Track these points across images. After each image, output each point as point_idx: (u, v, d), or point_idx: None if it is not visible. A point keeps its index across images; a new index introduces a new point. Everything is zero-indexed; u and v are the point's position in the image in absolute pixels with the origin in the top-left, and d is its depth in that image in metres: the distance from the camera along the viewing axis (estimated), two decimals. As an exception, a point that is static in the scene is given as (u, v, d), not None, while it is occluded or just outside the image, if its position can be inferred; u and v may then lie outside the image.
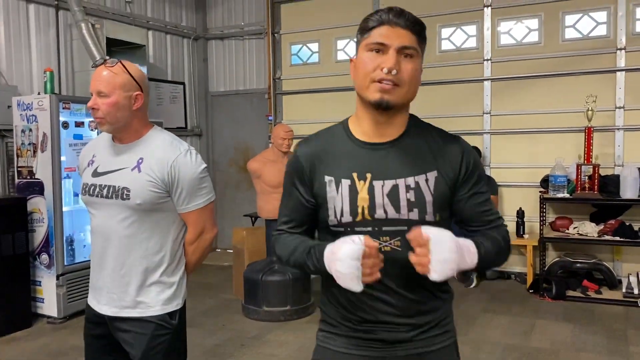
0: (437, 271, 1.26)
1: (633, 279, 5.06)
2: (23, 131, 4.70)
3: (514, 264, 5.81)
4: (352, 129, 1.48)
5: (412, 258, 1.28)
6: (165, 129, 5.82)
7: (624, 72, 5.37)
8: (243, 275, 4.83)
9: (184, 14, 7.30)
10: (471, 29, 6.02)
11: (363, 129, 1.46)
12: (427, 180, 1.41)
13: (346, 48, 6.64)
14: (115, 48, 5.79)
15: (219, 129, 7.61)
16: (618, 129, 5.41)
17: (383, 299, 1.43)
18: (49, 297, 4.66)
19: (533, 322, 4.48)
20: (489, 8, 5.86)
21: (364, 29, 1.40)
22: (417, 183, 1.40)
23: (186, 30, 7.28)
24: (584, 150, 5.16)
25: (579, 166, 5.15)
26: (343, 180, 1.42)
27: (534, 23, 5.74)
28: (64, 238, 4.72)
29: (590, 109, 5.10)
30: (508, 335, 4.22)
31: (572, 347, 3.95)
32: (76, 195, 4.91)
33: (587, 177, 5.17)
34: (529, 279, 5.42)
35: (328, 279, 1.41)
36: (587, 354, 3.83)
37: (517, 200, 5.71)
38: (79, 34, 5.33)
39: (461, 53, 6.07)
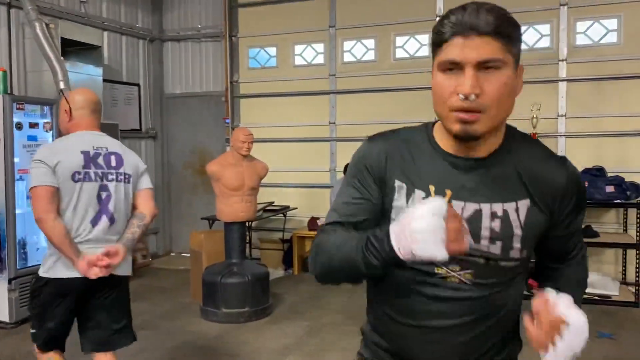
0: (559, 357, 1.07)
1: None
2: (-27, 132, 4.57)
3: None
4: (436, 137, 1.23)
5: (531, 330, 1.10)
6: (120, 130, 5.74)
7: (565, 82, 5.71)
8: (202, 278, 4.85)
9: (140, 15, 7.24)
10: (424, 38, 6.24)
11: (449, 141, 1.20)
12: (517, 209, 1.17)
13: (303, 53, 6.75)
14: (70, 48, 5.70)
15: (174, 132, 7.56)
16: (560, 135, 5.74)
17: (438, 341, 1.22)
18: (0, 302, 4.54)
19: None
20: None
21: (435, 43, 1.14)
22: (505, 212, 1.17)
23: (142, 32, 7.22)
24: (529, 156, 5.44)
25: (524, 171, 5.43)
26: (417, 191, 1.20)
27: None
28: (17, 241, 4.62)
29: (535, 116, 5.39)
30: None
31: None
32: (29, 197, 4.80)
33: (532, 181, 5.45)
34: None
35: (382, 294, 1.25)
36: (529, 348, 4.04)
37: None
38: (33, 33, 5.22)
39: (415, 61, 6.27)
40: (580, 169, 5.40)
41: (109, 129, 5.59)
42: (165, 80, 7.58)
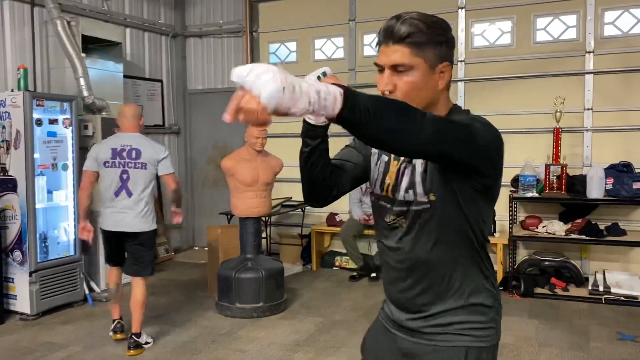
0: (266, 94, 1.05)
1: (599, 277, 5.20)
2: (-4, 128, 4.70)
3: (485, 262, 5.91)
4: None
5: (238, 108, 1.09)
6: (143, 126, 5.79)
7: (592, 75, 5.50)
8: (217, 273, 4.88)
9: (162, 12, 7.31)
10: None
11: None
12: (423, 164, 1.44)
13: (323, 48, 6.70)
14: (92, 45, 5.80)
15: (196, 127, 7.63)
16: (587, 130, 5.54)
17: (396, 278, 1.54)
18: (21, 293, 4.66)
19: (503, 319, 4.57)
20: (463, 10, 5.95)
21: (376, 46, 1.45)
22: (414, 165, 1.46)
23: (164, 28, 7.29)
24: (553, 151, 5.28)
25: (547, 166, 5.27)
26: (383, 156, 1.56)
27: (506, 25, 5.85)
28: (37, 235, 4.73)
29: (558, 110, 5.21)
30: (475, 331, 4.31)
31: (535, 342, 4.06)
32: (50, 192, 4.92)
33: (555, 177, 5.29)
34: (499, 277, 5.53)
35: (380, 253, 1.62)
36: (548, 349, 3.94)
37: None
38: (55, 31, 5.32)
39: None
40: (606, 164, 5.21)
41: (130, 125, 5.67)
42: (187, 76, 7.64)
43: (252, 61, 6.96)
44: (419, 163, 1.44)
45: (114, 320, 4.16)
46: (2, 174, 4.69)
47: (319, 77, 1.42)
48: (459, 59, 5.99)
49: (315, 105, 1.11)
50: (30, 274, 4.64)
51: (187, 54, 7.62)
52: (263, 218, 5.57)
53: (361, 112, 1.15)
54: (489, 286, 1.52)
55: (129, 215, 3.85)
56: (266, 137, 4.80)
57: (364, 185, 6.19)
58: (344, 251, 6.13)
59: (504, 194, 5.62)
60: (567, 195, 5.19)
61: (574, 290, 5.22)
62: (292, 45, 6.87)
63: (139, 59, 6.95)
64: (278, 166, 4.91)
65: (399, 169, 1.49)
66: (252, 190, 4.73)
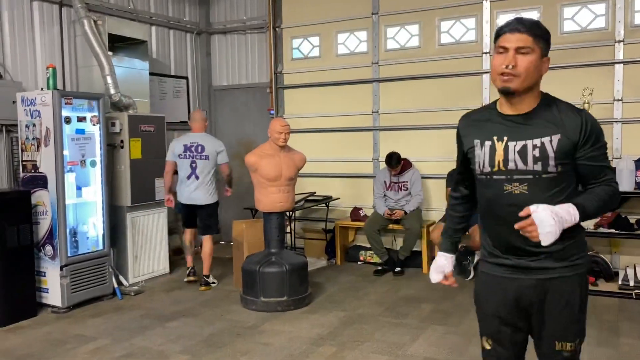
0: (545, 240, 1.75)
1: (630, 271, 5.08)
2: (27, 126, 4.82)
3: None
4: (498, 106, 1.98)
5: (522, 230, 1.77)
6: (168, 123, 5.96)
7: (622, 65, 5.36)
8: (241, 267, 4.93)
9: (187, 9, 7.38)
10: (470, 22, 6.04)
11: (503, 106, 1.95)
12: (551, 141, 1.86)
13: (346, 42, 6.69)
14: (118, 44, 5.90)
15: (221, 123, 7.70)
16: (616, 121, 5.41)
17: (516, 232, 1.83)
18: (53, 287, 4.79)
19: (526, 314, 4.51)
20: (488, 1, 5.87)
21: (495, 36, 1.91)
22: (542, 143, 1.86)
23: (189, 25, 7.37)
24: (581, 143, 5.16)
25: (575, 159, 5.16)
26: (486, 142, 1.97)
27: (533, 15, 5.73)
28: (67, 230, 4.85)
29: (586, 101, 5.10)
30: (500, 326, 4.27)
31: (562, 338, 3.99)
32: (79, 188, 5.04)
33: (583, 170, 5.18)
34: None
35: (483, 221, 2.07)
36: (576, 345, 3.86)
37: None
38: (82, 30, 5.43)
39: (460, 46, 6.08)
40: (636, 156, 5.09)
41: (156, 121, 5.79)
42: (212, 73, 7.71)
43: (276, 56, 7.00)
44: (547, 142, 1.86)
45: (188, 268, 5.67)
46: (33, 171, 4.82)
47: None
48: (484, 51, 5.91)
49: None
50: (61, 268, 4.76)
51: (211, 51, 7.69)
52: (287, 213, 5.60)
53: (587, 217, 1.85)
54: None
55: (198, 192, 5.37)
56: (289, 133, 4.82)
57: (387, 180, 6.16)
58: (369, 246, 6.13)
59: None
60: (595, 188, 5.08)
61: (603, 285, 5.12)
62: (315, 40, 6.87)
63: (165, 57, 7.05)
64: (301, 161, 4.93)
65: (505, 147, 1.91)
66: (275, 185, 4.76)
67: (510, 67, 1.82)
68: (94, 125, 5.05)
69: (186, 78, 7.38)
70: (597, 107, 5.23)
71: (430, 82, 6.19)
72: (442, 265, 2.19)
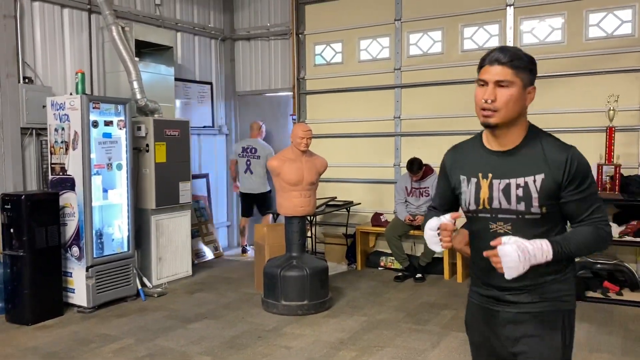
0: (507, 274, 1.73)
1: (656, 281, 5.00)
2: (56, 130, 4.95)
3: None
4: (484, 139, 1.94)
5: (491, 259, 1.75)
6: (192, 127, 6.02)
7: (649, 71, 5.30)
8: (263, 270, 4.98)
9: (212, 16, 7.50)
10: (493, 28, 6.02)
11: (489, 140, 1.91)
12: (534, 181, 1.80)
13: (369, 48, 6.72)
14: (145, 50, 6.02)
15: (245, 128, 7.77)
16: (643, 128, 5.34)
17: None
18: (79, 287, 4.90)
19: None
20: (512, 7, 5.84)
21: (479, 68, 1.85)
22: (526, 183, 1.81)
23: (214, 32, 7.48)
24: (605, 150, 5.11)
25: (600, 166, 5.11)
26: (472, 179, 1.92)
27: (557, 22, 5.70)
28: (94, 232, 4.95)
29: (611, 108, 5.05)
30: (522, 334, 4.23)
31: (586, 347, 3.95)
32: (105, 191, 5.15)
33: (608, 178, 5.13)
34: (549, 279, 5.40)
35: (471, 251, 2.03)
36: (600, 354, 3.82)
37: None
38: (110, 36, 5.56)
39: (483, 52, 6.05)
40: (663, 164, 5.01)
41: (181, 126, 5.89)
42: (236, 78, 7.81)
43: (299, 62, 7.06)
44: (530, 182, 1.80)
45: (242, 246, 7.30)
46: (61, 174, 4.94)
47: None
48: (508, 57, 5.87)
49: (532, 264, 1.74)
50: (87, 268, 4.87)
51: (235, 57, 7.79)
52: (308, 217, 5.64)
53: (565, 255, 1.78)
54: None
55: (253, 184, 6.98)
56: (311, 138, 4.86)
57: (408, 186, 6.17)
58: (389, 251, 6.13)
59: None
60: (621, 197, 5.01)
61: (628, 295, 5.04)
62: (338, 46, 6.92)
63: (190, 62, 7.16)
64: (322, 166, 4.97)
65: (490, 184, 1.87)
66: (297, 190, 4.80)
67: (489, 101, 1.78)
68: (120, 129, 5.16)
69: (210, 84, 7.48)
70: (622, 114, 5.19)
71: (453, 88, 6.18)
72: (433, 227, 1.93)
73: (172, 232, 5.82)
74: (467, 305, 2.10)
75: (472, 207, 1.91)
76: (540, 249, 1.73)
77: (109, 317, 4.76)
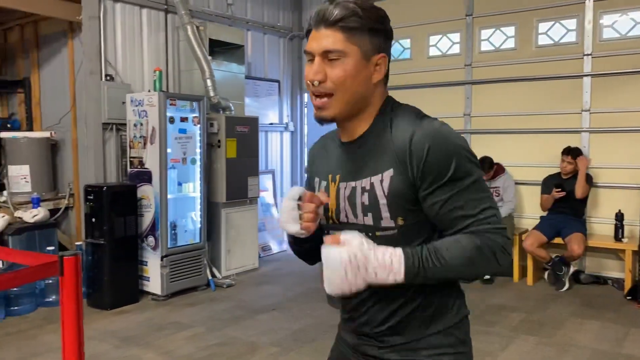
0: (327, 287, 1.17)
1: None
2: (135, 125, 5.19)
3: (611, 269, 5.54)
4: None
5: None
6: (260, 124, 6.24)
7: None
8: (329, 266, 5.01)
9: (281, 14, 7.62)
10: (571, 23, 5.78)
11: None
12: (382, 180, 1.24)
13: (438, 44, 6.62)
14: (217, 48, 6.20)
15: (310, 125, 7.86)
16: None
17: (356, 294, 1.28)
18: (153, 276, 5.12)
19: (627, 330, 4.27)
20: (591, 1, 5.60)
21: (306, 33, 1.33)
22: (372, 184, 1.26)
23: (282, 30, 7.60)
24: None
25: (687, 167, 4.82)
26: (322, 182, 1.40)
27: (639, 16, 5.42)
28: (168, 223, 5.16)
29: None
30: (598, 340, 4.07)
31: None
32: (179, 184, 5.35)
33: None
34: (627, 285, 5.15)
35: None
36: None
37: (617, 202, 5.43)
38: (185, 35, 5.77)
39: (559, 48, 5.85)
40: None
41: (251, 122, 6.05)
42: (302, 76, 7.87)
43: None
44: (377, 182, 1.25)
45: None
46: (139, 167, 5.18)
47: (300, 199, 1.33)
48: (586, 53, 5.64)
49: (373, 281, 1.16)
50: (162, 258, 5.08)
51: (302, 55, 7.88)
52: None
53: (426, 274, 1.17)
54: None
55: None
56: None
57: None
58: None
59: (636, 196, 5.23)
60: None
61: None
62: (406, 43, 6.86)
63: (259, 60, 7.31)
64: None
65: (337, 190, 1.34)
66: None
67: (316, 82, 1.24)
68: (194, 125, 5.35)
69: (278, 81, 7.61)
70: None
71: (526, 84, 6.00)
72: (294, 195, 1.33)
73: (240, 225, 5.98)
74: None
75: (323, 220, 1.37)
76: (384, 265, 1.14)
77: (181, 306, 4.96)
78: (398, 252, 1.16)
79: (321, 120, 1.30)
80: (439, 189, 1.20)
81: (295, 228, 1.30)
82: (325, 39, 1.23)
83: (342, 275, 1.13)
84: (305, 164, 1.42)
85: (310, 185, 1.47)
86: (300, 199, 1.31)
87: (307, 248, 1.43)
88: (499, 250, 1.19)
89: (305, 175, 1.55)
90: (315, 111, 1.29)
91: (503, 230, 1.21)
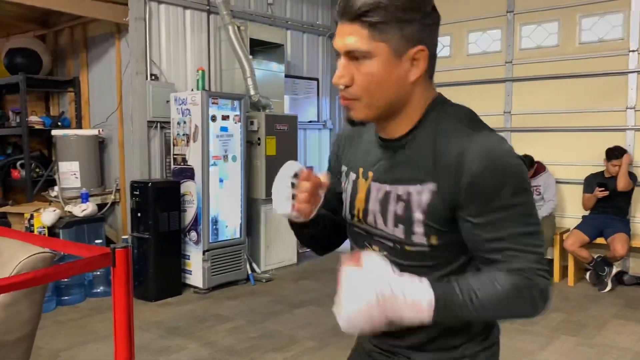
0: (340, 320, 1.04)
1: None
2: (178, 123, 5.35)
3: (656, 271, 5.41)
4: None
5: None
6: (299, 122, 6.28)
7: None
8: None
9: (320, 13, 7.68)
10: (616, 18, 5.65)
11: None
12: (420, 192, 1.10)
13: (478, 41, 6.57)
14: (258, 48, 6.32)
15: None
16: None
17: None
18: (196, 269, 5.28)
19: (672, 333, 4.18)
20: (639, -5, 5.46)
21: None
22: (409, 194, 1.12)
23: (321, 29, 7.66)
24: None
25: None
26: (352, 174, 1.27)
27: (691, 9, 5.25)
28: (210, 218, 5.31)
29: None
30: (640, 343, 4.01)
31: None
32: (221, 181, 5.50)
33: None
34: (673, 288, 5.03)
35: None
36: None
37: (663, 202, 5.30)
38: (227, 35, 5.90)
39: (604, 44, 5.72)
40: None
41: (290, 120, 6.15)
42: (341, 74, 7.94)
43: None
44: (415, 193, 1.11)
45: None
46: (182, 164, 5.34)
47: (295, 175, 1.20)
48: (632, 49, 5.51)
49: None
50: (204, 252, 5.23)
51: (341, 53, 7.92)
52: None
53: (455, 316, 1.03)
54: None
55: None
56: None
57: None
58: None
59: (682, 196, 5.08)
60: None
61: None
62: (446, 40, 6.83)
63: (298, 59, 7.39)
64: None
65: (368, 189, 1.20)
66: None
67: (341, 87, 1.09)
68: (235, 123, 5.48)
69: (317, 79, 7.68)
70: None
71: (568, 81, 5.90)
72: (288, 172, 1.20)
73: (279, 221, 6.08)
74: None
75: (348, 216, 1.27)
76: (412, 303, 1.00)
77: (221, 299, 5.09)
78: (428, 291, 1.01)
79: (351, 122, 1.17)
80: (482, 215, 1.05)
81: (285, 209, 1.17)
82: (348, 36, 1.06)
83: (367, 318, 1.00)
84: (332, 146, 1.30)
85: (334, 171, 1.34)
86: (296, 176, 1.17)
87: (307, 235, 1.31)
88: (538, 294, 1.07)
89: (328, 158, 1.40)
90: (346, 111, 1.16)
91: (546, 272, 1.07)
